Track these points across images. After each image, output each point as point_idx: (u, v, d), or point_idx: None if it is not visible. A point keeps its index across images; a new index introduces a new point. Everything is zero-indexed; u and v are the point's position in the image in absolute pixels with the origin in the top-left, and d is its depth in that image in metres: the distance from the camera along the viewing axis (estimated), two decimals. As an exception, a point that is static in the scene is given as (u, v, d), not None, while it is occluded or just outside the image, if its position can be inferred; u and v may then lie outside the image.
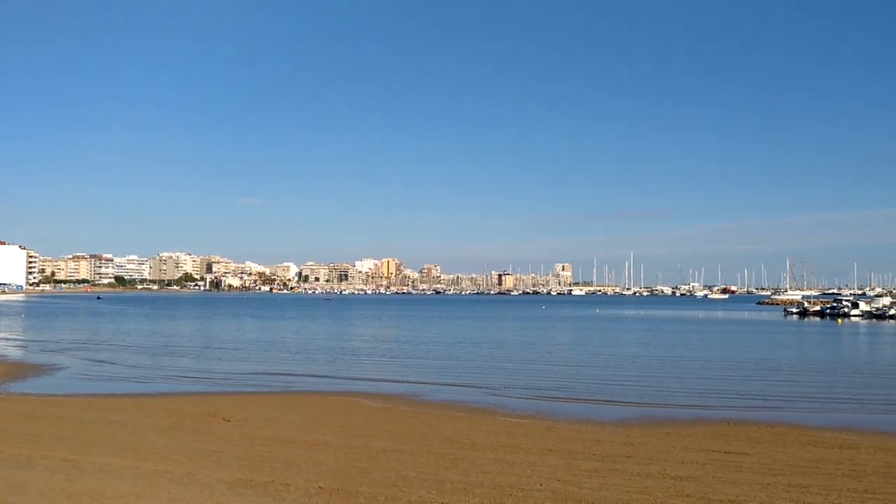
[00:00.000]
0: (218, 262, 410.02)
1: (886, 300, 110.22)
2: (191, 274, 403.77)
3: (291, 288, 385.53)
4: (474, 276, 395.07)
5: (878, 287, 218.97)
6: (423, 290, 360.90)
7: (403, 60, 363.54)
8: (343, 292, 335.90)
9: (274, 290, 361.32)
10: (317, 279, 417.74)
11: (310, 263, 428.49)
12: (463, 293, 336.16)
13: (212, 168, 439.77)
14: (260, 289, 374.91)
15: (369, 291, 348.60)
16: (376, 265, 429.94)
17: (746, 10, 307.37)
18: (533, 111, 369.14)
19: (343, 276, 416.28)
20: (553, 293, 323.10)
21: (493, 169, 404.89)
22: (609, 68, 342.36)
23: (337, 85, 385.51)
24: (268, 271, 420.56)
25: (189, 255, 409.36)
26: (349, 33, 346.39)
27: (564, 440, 17.84)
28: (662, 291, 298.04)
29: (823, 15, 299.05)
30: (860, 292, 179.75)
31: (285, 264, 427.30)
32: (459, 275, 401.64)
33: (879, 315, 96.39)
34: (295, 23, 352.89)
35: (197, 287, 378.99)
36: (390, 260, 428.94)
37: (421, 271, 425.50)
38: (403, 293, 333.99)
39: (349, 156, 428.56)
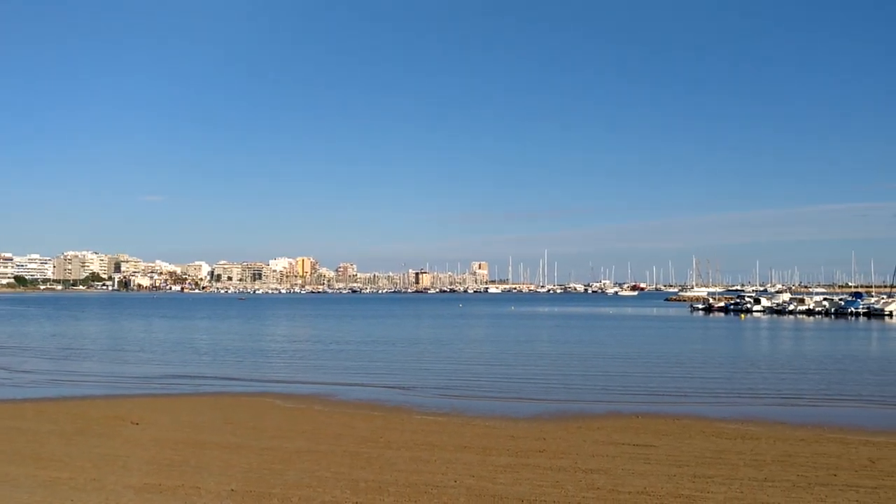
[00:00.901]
0: (127, 262, 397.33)
1: (786, 296, 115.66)
2: (98, 274, 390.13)
3: (204, 287, 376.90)
4: (391, 274, 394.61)
5: (779, 284, 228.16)
6: (340, 289, 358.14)
7: (315, 56, 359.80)
8: (257, 292, 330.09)
9: (185, 290, 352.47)
10: (230, 278, 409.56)
11: (222, 262, 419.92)
12: (380, 292, 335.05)
13: (117, 164, 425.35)
14: (171, 288, 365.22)
15: (284, 291, 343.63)
16: (291, 264, 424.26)
17: (653, 13, 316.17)
18: (449, 110, 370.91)
19: (257, 276, 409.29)
20: (470, 291, 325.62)
21: (411, 167, 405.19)
22: (523, 68, 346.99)
23: (247, 82, 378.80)
24: (179, 270, 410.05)
25: (96, 254, 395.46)
26: (255, 27, 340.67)
27: (479, 437, 18.00)
28: (575, 289, 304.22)
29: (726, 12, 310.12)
30: (762, 289, 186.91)
31: (197, 263, 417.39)
32: (376, 273, 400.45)
33: (779, 310, 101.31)
34: (197, 18, 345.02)
35: (105, 287, 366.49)
36: (305, 258, 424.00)
37: (337, 270, 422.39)
38: (319, 292, 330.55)
39: (263, 153, 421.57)
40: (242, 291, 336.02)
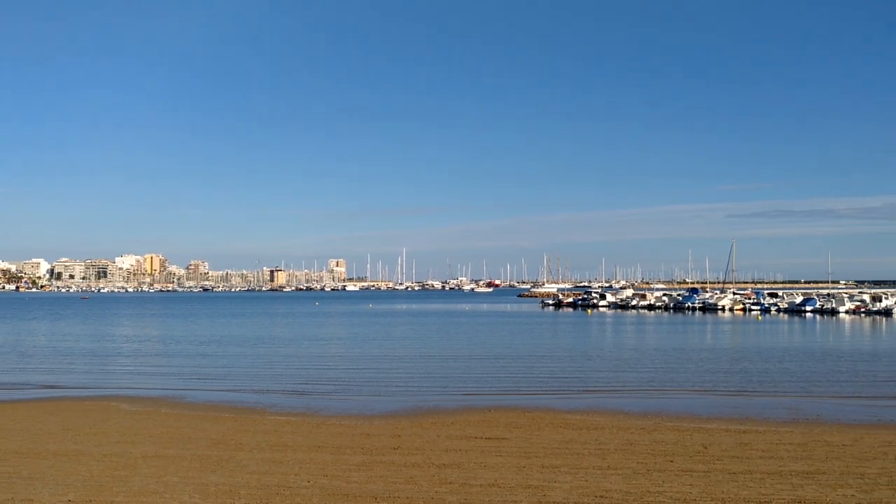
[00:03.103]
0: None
1: (629, 292, 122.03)
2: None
3: (42, 286, 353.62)
4: (245, 272, 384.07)
5: (623, 280, 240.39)
6: (190, 287, 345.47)
7: (156, 47, 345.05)
8: (102, 290, 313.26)
9: (21, 289, 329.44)
10: (72, 277, 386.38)
11: (64, 260, 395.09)
12: (233, 290, 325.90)
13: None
14: (4, 287, 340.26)
15: (131, 289, 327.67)
16: (139, 261, 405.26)
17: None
18: (306, 107, 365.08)
19: (102, 274, 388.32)
20: (327, 289, 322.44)
21: (266, 162, 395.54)
22: (384, 62, 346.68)
23: (98, 76, 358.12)
24: (14, 268, 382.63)
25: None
26: (108, 19, 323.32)
27: (333, 436, 17.89)
28: (433, 286, 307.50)
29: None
30: (608, 285, 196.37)
31: (35, 260, 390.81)
32: (229, 271, 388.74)
33: (623, 305, 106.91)
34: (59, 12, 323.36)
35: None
36: (154, 256, 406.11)
37: (188, 268, 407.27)
38: (169, 291, 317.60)
39: (108, 146, 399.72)
40: (86, 290, 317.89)
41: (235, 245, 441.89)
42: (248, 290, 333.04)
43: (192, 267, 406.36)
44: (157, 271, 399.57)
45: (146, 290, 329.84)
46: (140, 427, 19.22)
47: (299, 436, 17.90)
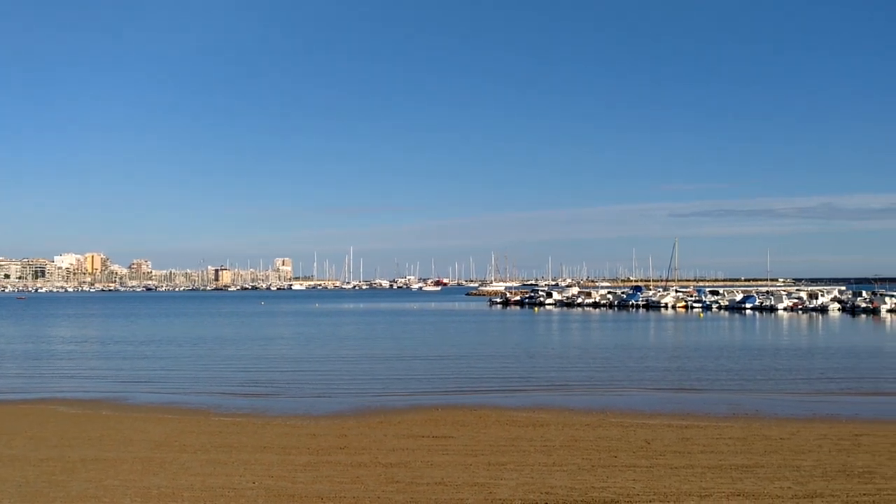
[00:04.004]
0: None
1: (574, 290, 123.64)
2: None
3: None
4: (189, 271, 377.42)
5: (569, 278, 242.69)
6: (133, 287, 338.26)
7: (117, 50, 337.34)
8: (40, 290, 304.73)
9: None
10: (7, 276, 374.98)
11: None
12: (177, 290, 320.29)
13: None
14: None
15: (71, 289, 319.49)
16: (79, 260, 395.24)
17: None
18: (251, 104, 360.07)
19: (40, 273, 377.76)
20: (273, 288, 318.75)
21: (210, 160, 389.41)
22: (333, 63, 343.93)
23: (33, 69, 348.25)
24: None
25: None
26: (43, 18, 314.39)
27: (279, 436, 17.73)
28: (381, 285, 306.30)
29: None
30: (554, 283, 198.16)
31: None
32: (173, 270, 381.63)
33: (569, 303, 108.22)
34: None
35: None
36: (95, 254, 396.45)
37: (130, 267, 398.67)
38: (110, 290, 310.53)
39: (47, 144, 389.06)
40: (22, 290, 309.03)
41: (179, 244, 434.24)
42: (192, 289, 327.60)
43: (135, 266, 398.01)
44: (99, 270, 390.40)
45: (87, 289, 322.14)
46: (79, 430, 18.77)
47: (244, 436, 17.70)
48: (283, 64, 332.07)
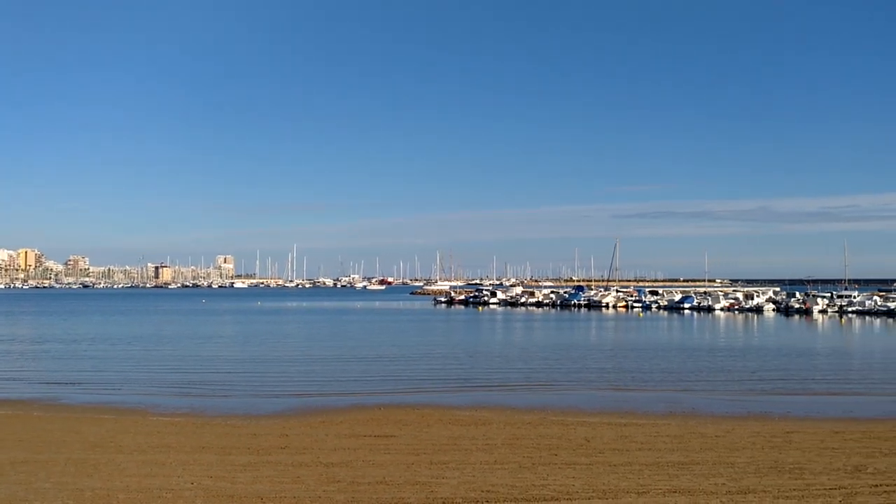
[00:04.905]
0: None
1: (519, 289, 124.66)
2: None
3: None
4: (128, 268, 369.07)
5: (513, 278, 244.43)
6: (69, 284, 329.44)
7: (57, 42, 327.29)
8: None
9: None
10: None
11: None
12: (115, 287, 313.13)
13: None
14: None
15: (2, 286, 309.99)
16: (11, 256, 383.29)
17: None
18: (195, 101, 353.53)
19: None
20: (214, 286, 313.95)
21: (151, 155, 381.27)
22: (278, 61, 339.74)
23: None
24: None
25: None
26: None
27: (219, 436, 17.49)
28: (324, 283, 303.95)
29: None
30: (498, 282, 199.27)
31: None
32: (111, 267, 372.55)
33: (513, 303, 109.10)
34: None
35: None
36: (29, 250, 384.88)
37: (66, 263, 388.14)
38: (45, 287, 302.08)
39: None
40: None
41: (118, 240, 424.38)
42: (131, 286, 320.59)
43: (72, 262, 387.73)
44: (32, 267, 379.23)
45: (19, 286, 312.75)
46: (8, 431, 18.21)
47: (183, 437, 17.42)
48: (228, 61, 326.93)
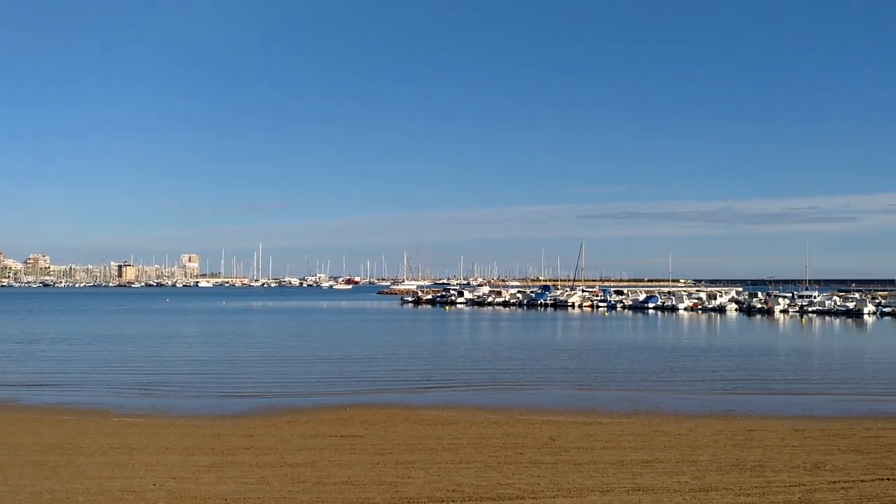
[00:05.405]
0: None
1: (486, 289, 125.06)
2: None
3: None
4: (90, 267, 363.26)
5: (480, 277, 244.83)
6: (29, 282, 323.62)
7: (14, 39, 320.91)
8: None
9: None
10: None
11: None
12: (77, 286, 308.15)
13: None
14: None
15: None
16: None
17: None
18: (160, 97, 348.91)
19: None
20: (179, 285, 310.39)
21: (114, 152, 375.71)
22: (251, 60, 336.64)
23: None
24: None
25: None
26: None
27: (182, 437, 17.30)
28: (290, 283, 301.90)
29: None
30: (465, 282, 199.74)
31: None
32: (73, 266, 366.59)
33: (480, 302, 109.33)
34: None
35: None
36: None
37: (26, 262, 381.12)
38: (4, 286, 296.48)
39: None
40: None
41: (81, 238, 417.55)
42: (93, 285, 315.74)
43: (32, 261, 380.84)
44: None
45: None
46: (-34, 433, 17.85)
47: (145, 437, 17.20)
48: (190, 60, 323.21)
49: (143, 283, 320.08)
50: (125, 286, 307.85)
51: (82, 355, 39.78)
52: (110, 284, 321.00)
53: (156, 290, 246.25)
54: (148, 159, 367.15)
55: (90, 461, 14.54)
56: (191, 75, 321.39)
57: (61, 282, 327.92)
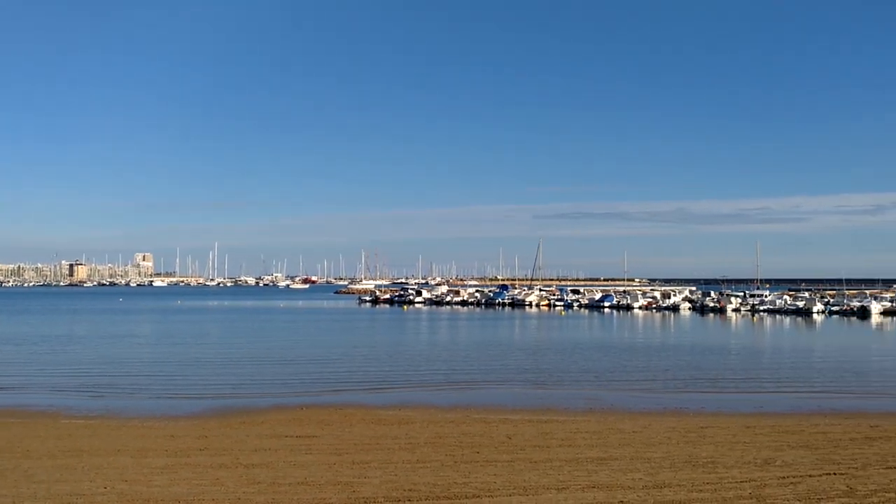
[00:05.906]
0: None
1: (444, 288, 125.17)
2: None
3: None
4: (40, 265, 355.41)
5: (439, 277, 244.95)
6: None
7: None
8: None
9: None
10: None
11: None
12: (26, 285, 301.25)
13: None
14: None
15: None
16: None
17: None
18: (114, 94, 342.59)
19: None
20: (133, 284, 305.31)
21: (64, 149, 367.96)
22: (209, 60, 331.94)
23: None
24: None
25: None
26: None
27: (135, 438, 17.02)
28: (246, 282, 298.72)
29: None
30: (424, 281, 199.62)
31: None
32: (22, 264, 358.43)
33: (438, 302, 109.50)
34: None
35: None
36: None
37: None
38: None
39: None
40: None
41: (30, 236, 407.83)
42: (43, 285, 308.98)
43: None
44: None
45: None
46: None
47: (97, 439, 16.88)
48: (143, 56, 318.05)
49: (95, 283, 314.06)
50: (77, 286, 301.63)
51: (29, 357, 38.91)
52: (61, 284, 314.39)
53: (109, 290, 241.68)
54: (102, 156, 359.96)
55: (38, 465, 14.23)
56: (144, 73, 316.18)
57: (9, 281, 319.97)
